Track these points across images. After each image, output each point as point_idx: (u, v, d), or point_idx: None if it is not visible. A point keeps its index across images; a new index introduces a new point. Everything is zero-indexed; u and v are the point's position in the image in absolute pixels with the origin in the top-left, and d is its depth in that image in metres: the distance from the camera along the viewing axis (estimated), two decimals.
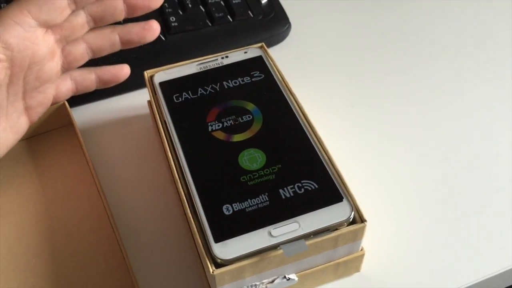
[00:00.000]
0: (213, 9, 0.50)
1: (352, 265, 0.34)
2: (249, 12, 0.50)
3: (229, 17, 0.50)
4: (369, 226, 0.35)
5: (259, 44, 0.41)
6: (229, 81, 0.38)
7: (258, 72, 0.39)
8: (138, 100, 0.44)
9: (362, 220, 0.31)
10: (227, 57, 0.40)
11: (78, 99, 0.43)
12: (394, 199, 0.38)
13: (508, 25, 0.51)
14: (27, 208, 0.37)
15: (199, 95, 0.37)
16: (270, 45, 0.50)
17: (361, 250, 0.33)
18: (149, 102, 0.41)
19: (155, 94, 0.38)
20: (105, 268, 0.34)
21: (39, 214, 0.37)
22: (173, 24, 0.49)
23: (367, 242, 0.34)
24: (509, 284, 0.36)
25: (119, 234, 0.35)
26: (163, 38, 0.48)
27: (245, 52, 0.40)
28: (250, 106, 0.36)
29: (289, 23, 0.50)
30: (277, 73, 0.39)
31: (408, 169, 0.40)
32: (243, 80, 0.38)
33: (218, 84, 0.38)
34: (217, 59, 0.40)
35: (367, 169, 0.40)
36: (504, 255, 0.35)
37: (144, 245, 0.36)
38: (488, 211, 0.37)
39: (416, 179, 0.39)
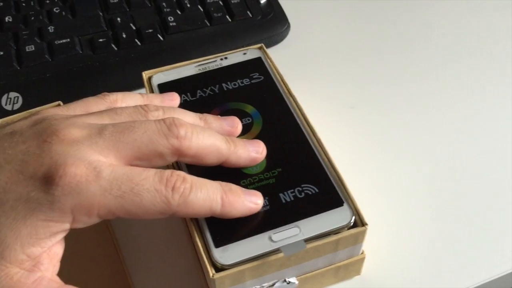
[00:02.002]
0: (212, 9, 0.49)
1: (352, 268, 0.33)
2: (248, 12, 0.50)
3: (227, 17, 0.49)
4: (370, 229, 0.34)
5: (259, 45, 0.41)
6: (228, 83, 0.38)
7: (258, 74, 0.39)
8: None
9: (363, 224, 0.31)
10: (226, 58, 0.40)
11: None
12: (396, 202, 0.38)
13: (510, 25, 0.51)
14: None
15: (198, 97, 0.37)
16: (269, 45, 0.49)
17: (362, 253, 0.33)
18: None
19: None
20: (101, 271, 0.34)
21: None
22: (171, 24, 0.48)
23: (367, 245, 0.34)
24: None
25: (116, 237, 0.35)
26: (161, 38, 0.48)
27: (244, 53, 0.40)
28: (250, 109, 0.36)
29: (288, 23, 0.50)
30: (277, 75, 0.39)
31: (409, 172, 0.40)
32: (242, 82, 0.38)
33: (217, 86, 0.38)
34: (216, 60, 0.40)
35: (369, 172, 0.40)
36: (506, 258, 0.35)
37: (142, 248, 0.36)
38: (491, 214, 0.37)
39: (418, 182, 0.39)
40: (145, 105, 0.30)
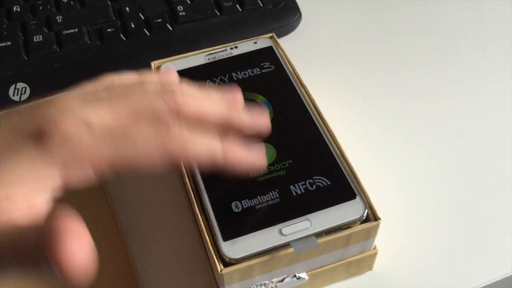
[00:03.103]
0: None
1: (364, 263, 0.33)
2: (259, 1, 0.49)
3: (238, 6, 0.48)
4: (383, 224, 0.33)
5: (270, 34, 0.40)
6: (238, 72, 0.37)
7: (268, 64, 0.38)
8: None
9: (376, 218, 0.30)
10: (236, 47, 0.39)
11: None
12: (409, 196, 0.37)
13: None
14: None
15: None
16: (280, 35, 0.48)
17: (374, 248, 0.32)
18: None
19: None
20: (109, 265, 0.34)
21: None
22: (180, 14, 0.47)
23: (380, 240, 0.33)
24: None
25: (123, 230, 0.34)
26: (170, 28, 0.47)
27: (255, 43, 0.39)
28: (260, 99, 0.35)
29: (300, 12, 0.49)
30: (288, 64, 0.38)
31: (423, 166, 0.39)
32: (252, 72, 0.37)
33: (227, 75, 0.37)
34: (226, 50, 0.39)
35: (381, 165, 0.39)
36: None
37: (150, 242, 0.35)
38: (507, 210, 0.36)
39: (432, 176, 0.38)
40: (139, 80, 0.28)
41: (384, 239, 0.34)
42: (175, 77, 0.32)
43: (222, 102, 0.29)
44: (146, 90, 0.26)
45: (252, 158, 0.28)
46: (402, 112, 0.42)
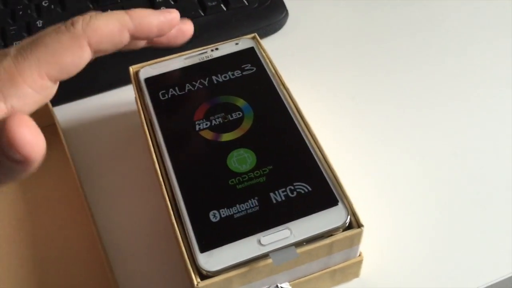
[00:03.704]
0: None
1: (350, 271, 0.31)
2: (244, 0, 0.48)
3: (222, 6, 0.47)
4: (369, 229, 0.32)
5: (252, 35, 0.39)
6: (219, 75, 0.36)
7: (250, 65, 0.36)
8: (126, 96, 0.42)
9: (359, 225, 0.29)
10: (217, 49, 0.38)
11: (61, 97, 0.41)
12: (397, 200, 0.36)
13: None
14: (7, 214, 0.35)
15: (186, 91, 0.35)
16: (266, 34, 0.47)
17: (359, 255, 0.31)
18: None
19: (140, 91, 0.36)
20: (87, 277, 0.33)
21: (20, 221, 0.35)
22: None
23: (367, 246, 0.32)
24: None
25: (102, 242, 0.33)
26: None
27: (236, 44, 0.38)
28: (240, 102, 0.34)
29: (286, 10, 0.48)
30: (270, 65, 0.36)
31: (409, 169, 0.37)
32: (233, 74, 0.36)
33: (207, 79, 0.36)
34: (206, 52, 0.38)
35: (366, 170, 0.37)
36: (507, 261, 0.33)
37: (128, 253, 0.34)
38: (491, 213, 0.35)
39: (418, 180, 0.37)
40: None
41: (371, 245, 0.33)
42: None
43: (121, 12, 0.27)
44: (54, 27, 0.26)
45: (168, 20, 0.28)
46: (389, 116, 0.41)
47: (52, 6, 0.47)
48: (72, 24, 0.25)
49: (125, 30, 0.27)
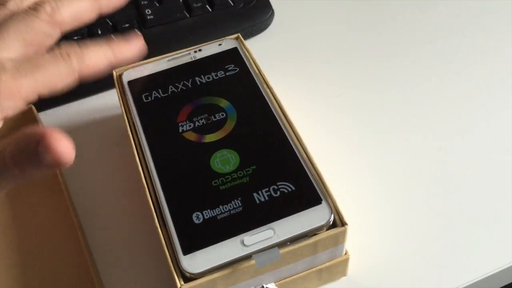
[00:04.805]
0: None
1: (336, 270, 0.31)
2: (229, 0, 0.47)
3: (207, 6, 0.47)
4: (356, 227, 0.32)
5: (235, 35, 0.39)
6: (202, 76, 0.36)
7: (233, 66, 0.36)
8: (112, 100, 0.42)
9: (343, 224, 0.28)
10: (200, 50, 0.38)
11: (46, 103, 0.41)
12: (382, 198, 0.36)
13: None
14: None
15: (169, 93, 0.35)
16: (252, 34, 0.47)
17: (346, 254, 0.31)
18: None
19: (124, 94, 0.36)
20: (73, 281, 0.32)
21: (6, 225, 0.35)
22: (148, 17, 0.46)
23: (354, 244, 0.32)
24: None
25: (87, 245, 0.33)
26: (139, 32, 0.45)
27: (220, 44, 0.38)
28: (224, 103, 0.34)
29: (272, 10, 0.48)
30: (253, 65, 0.36)
31: (395, 167, 0.37)
32: (216, 75, 0.36)
33: (190, 80, 0.36)
34: (189, 53, 0.37)
35: (351, 168, 0.37)
36: (493, 257, 0.33)
37: (113, 257, 0.34)
38: (476, 212, 0.35)
39: (404, 178, 0.37)
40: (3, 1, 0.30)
41: (359, 243, 0.33)
42: None
43: None
44: (16, 12, 0.29)
45: (136, 47, 0.30)
46: (375, 112, 0.40)
47: None
48: (69, 56, 0.27)
49: (109, 65, 0.29)
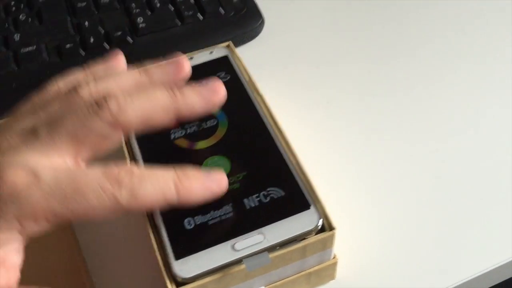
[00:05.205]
0: (183, 7, 0.48)
1: (325, 273, 0.32)
2: (220, 8, 0.48)
3: (199, 15, 0.48)
4: (345, 231, 0.33)
5: (226, 43, 0.39)
6: (193, 84, 0.36)
7: (224, 73, 0.37)
8: None
9: (331, 228, 0.29)
10: (191, 58, 0.38)
11: None
12: (371, 201, 0.36)
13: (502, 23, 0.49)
14: None
15: None
16: (243, 41, 0.48)
17: (334, 258, 0.31)
18: None
19: None
20: (63, 284, 0.33)
21: None
22: (141, 25, 0.47)
23: (343, 247, 0.33)
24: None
25: (80, 251, 0.33)
26: (131, 41, 0.46)
27: (211, 53, 0.39)
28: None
29: (262, 18, 0.49)
30: (244, 73, 0.37)
31: (383, 172, 0.38)
32: None
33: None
34: None
35: (340, 173, 0.38)
36: (482, 258, 0.34)
37: (105, 262, 0.34)
38: (464, 212, 0.36)
39: (392, 182, 0.37)
40: (74, 86, 0.27)
41: (347, 247, 0.34)
42: (121, 61, 0.31)
43: (163, 94, 0.27)
44: (79, 107, 0.26)
45: (209, 187, 0.27)
46: (364, 118, 0.41)
47: (30, 19, 0.47)
48: (119, 186, 0.24)
49: (167, 201, 0.26)
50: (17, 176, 0.23)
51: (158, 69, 0.29)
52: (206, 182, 0.26)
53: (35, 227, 0.24)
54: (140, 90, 0.27)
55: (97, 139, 0.26)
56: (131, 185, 0.24)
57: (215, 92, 0.28)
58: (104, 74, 0.29)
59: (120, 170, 0.25)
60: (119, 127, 0.26)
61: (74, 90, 0.27)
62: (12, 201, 0.23)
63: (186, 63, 0.30)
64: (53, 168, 0.24)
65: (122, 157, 0.34)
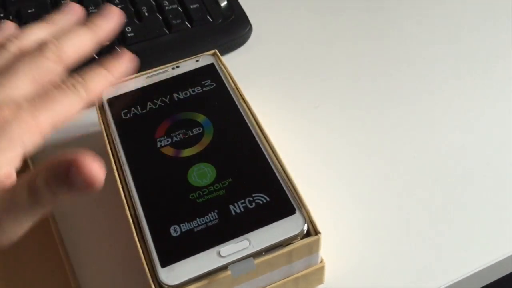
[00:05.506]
0: (170, 16, 0.48)
1: (313, 278, 0.32)
2: (208, 16, 0.49)
3: (187, 23, 0.48)
4: (332, 235, 0.33)
5: (212, 51, 0.40)
6: (180, 92, 0.37)
7: (210, 81, 0.37)
8: (93, 117, 0.43)
9: (317, 232, 0.29)
10: (178, 67, 0.39)
11: None
12: (357, 205, 0.37)
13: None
14: None
15: (148, 109, 0.36)
16: (231, 49, 0.48)
17: (321, 262, 0.31)
18: None
19: (103, 111, 0.36)
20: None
21: None
22: (129, 35, 0.47)
23: (330, 251, 0.33)
24: None
25: (69, 259, 0.33)
26: (119, 50, 0.46)
27: (197, 61, 0.39)
28: (201, 118, 0.35)
29: (250, 25, 0.49)
30: (230, 80, 0.37)
31: (369, 175, 0.38)
32: (194, 91, 0.37)
33: (168, 96, 0.37)
34: (167, 70, 0.38)
35: (326, 177, 0.38)
36: (470, 259, 0.34)
37: (92, 269, 0.34)
38: (451, 213, 0.36)
39: (378, 185, 0.38)
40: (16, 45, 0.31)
41: (335, 251, 0.34)
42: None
43: (83, 29, 0.32)
44: (22, 49, 0.30)
45: (127, 60, 0.32)
46: (350, 123, 0.41)
47: (10, 17, 0.47)
48: (75, 87, 0.29)
49: (109, 85, 0.31)
50: (5, 110, 0.27)
51: (60, 15, 0.34)
52: (123, 60, 0.32)
53: (32, 140, 0.27)
54: (64, 33, 0.31)
55: (48, 75, 0.29)
56: (82, 84, 0.29)
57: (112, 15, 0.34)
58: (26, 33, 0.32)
59: (69, 80, 0.29)
60: (61, 61, 0.30)
61: (3, 46, 0.31)
62: (11, 126, 0.26)
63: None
64: (25, 97, 0.28)
65: (109, 166, 0.34)
